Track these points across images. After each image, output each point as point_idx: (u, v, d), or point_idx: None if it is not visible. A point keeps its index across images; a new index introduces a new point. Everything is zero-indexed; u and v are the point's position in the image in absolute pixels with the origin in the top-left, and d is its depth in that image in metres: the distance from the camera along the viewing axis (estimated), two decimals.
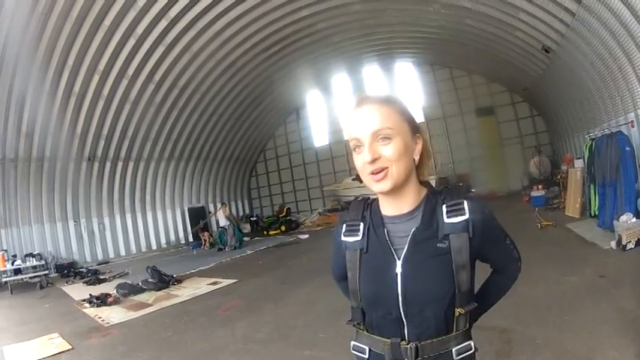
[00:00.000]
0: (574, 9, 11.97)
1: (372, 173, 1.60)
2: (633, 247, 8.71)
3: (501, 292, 1.96)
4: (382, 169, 1.58)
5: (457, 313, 1.61)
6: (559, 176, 17.48)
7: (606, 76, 12.64)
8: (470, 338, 1.68)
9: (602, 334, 5.10)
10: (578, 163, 14.45)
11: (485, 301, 1.90)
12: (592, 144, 12.42)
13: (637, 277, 6.91)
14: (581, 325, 5.46)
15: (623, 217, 9.30)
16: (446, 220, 1.62)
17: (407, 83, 28.31)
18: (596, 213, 11.94)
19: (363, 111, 1.63)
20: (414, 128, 1.68)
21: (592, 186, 12.39)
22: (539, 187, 18.61)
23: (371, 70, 29.26)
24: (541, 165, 22.32)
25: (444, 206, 1.64)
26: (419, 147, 1.69)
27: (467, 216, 1.61)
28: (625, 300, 6.01)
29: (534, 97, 23.14)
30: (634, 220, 9.15)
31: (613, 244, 9.08)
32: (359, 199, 1.86)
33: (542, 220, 13.04)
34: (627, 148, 10.57)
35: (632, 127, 11.49)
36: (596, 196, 11.99)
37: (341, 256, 1.81)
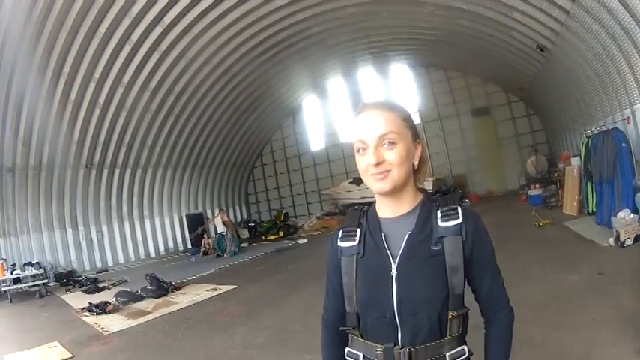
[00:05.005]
0: (568, 7, 12.00)
1: (374, 174, 1.64)
2: (631, 243, 8.72)
3: (504, 340, 1.74)
4: (385, 172, 1.63)
5: (450, 316, 1.62)
6: (556, 175, 17.46)
7: (602, 73, 12.66)
8: (464, 343, 1.69)
9: (601, 331, 5.10)
10: (575, 161, 14.44)
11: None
12: (588, 141, 12.45)
13: (635, 273, 6.92)
14: (580, 322, 5.47)
15: (621, 214, 9.31)
16: (440, 223, 1.65)
17: (402, 85, 28.38)
18: (594, 210, 11.96)
19: (370, 115, 1.68)
20: (415, 135, 1.73)
21: (589, 183, 12.42)
22: (537, 186, 18.60)
23: (366, 73, 29.31)
24: (538, 164, 22.34)
25: (438, 212, 1.68)
26: (418, 152, 1.74)
27: (460, 220, 1.65)
28: (624, 297, 6.01)
29: (530, 97, 23.18)
30: (632, 216, 9.16)
31: (611, 240, 9.07)
32: (354, 208, 1.88)
33: (540, 219, 13.04)
34: (623, 145, 10.59)
35: (628, 123, 11.50)
36: (594, 194, 12.01)
37: (336, 263, 1.82)
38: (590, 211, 12.37)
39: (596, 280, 7.09)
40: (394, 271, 1.64)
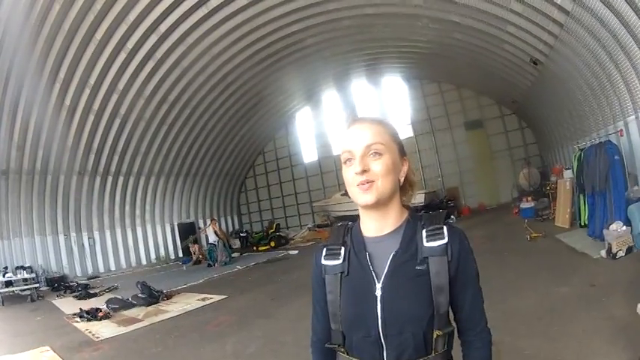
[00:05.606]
0: (562, 20, 12.05)
1: (359, 184, 1.64)
2: (624, 255, 8.75)
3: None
4: (369, 182, 1.63)
5: (435, 335, 1.62)
6: (548, 187, 17.52)
7: (595, 85, 12.70)
8: (450, 359, 1.69)
9: (593, 343, 5.10)
10: (568, 174, 14.50)
11: None
12: (581, 154, 12.50)
13: (627, 285, 6.92)
14: (572, 334, 5.46)
15: (613, 226, 9.33)
16: (425, 244, 1.64)
17: (395, 98, 28.51)
18: (586, 223, 11.99)
19: (358, 127, 1.72)
20: (402, 151, 1.76)
21: (581, 196, 12.45)
22: (529, 198, 18.62)
23: (360, 85, 29.41)
24: (530, 177, 22.38)
25: (423, 231, 1.67)
26: (405, 168, 1.76)
27: (446, 240, 1.64)
28: (616, 308, 6.02)
29: (523, 109, 23.30)
30: (624, 228, 9.17)
31: (603, 253, 9.10)
32: (339, 224, 1.89)
33: (532, 232, 13.02)
34: (616, 157, 10.64)
35: (621, 135, 11.55)
36: (586, 206, 12.04)
37: (320, 281, 1.82)
38: (583, 224, 12.40)
39: (588, 291, 7.09)
40: (378, 292, 1.64)
